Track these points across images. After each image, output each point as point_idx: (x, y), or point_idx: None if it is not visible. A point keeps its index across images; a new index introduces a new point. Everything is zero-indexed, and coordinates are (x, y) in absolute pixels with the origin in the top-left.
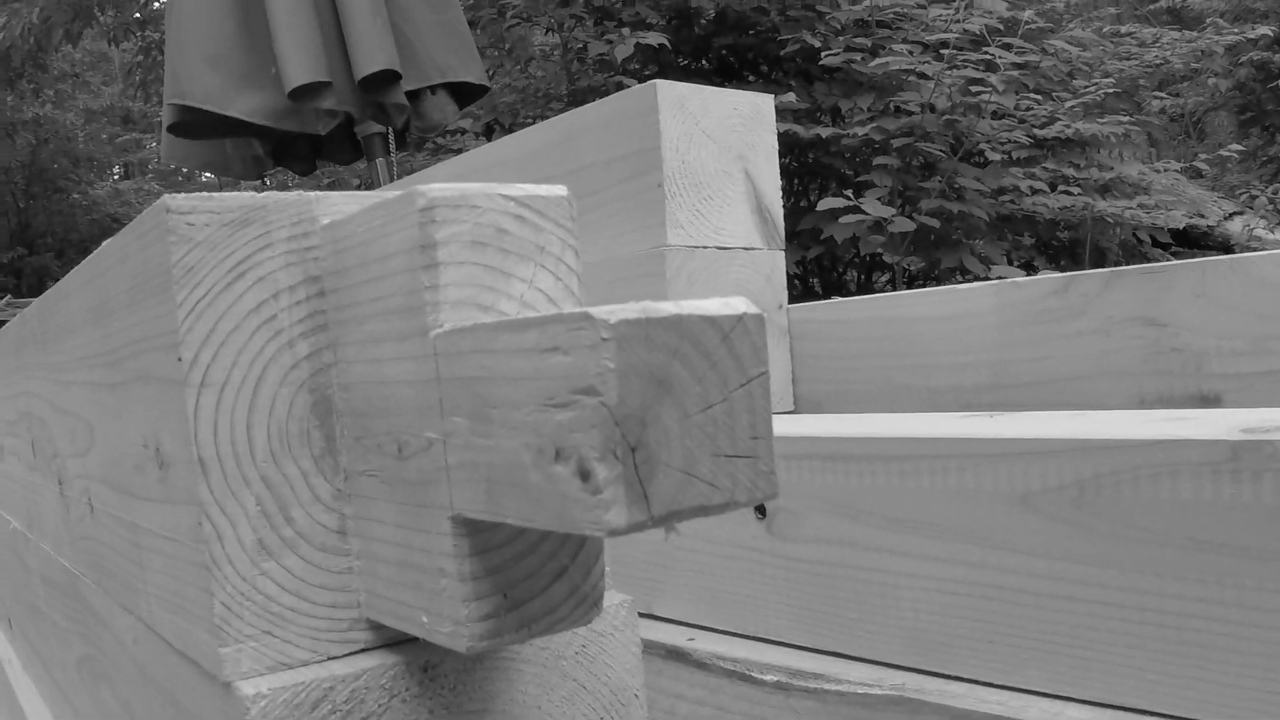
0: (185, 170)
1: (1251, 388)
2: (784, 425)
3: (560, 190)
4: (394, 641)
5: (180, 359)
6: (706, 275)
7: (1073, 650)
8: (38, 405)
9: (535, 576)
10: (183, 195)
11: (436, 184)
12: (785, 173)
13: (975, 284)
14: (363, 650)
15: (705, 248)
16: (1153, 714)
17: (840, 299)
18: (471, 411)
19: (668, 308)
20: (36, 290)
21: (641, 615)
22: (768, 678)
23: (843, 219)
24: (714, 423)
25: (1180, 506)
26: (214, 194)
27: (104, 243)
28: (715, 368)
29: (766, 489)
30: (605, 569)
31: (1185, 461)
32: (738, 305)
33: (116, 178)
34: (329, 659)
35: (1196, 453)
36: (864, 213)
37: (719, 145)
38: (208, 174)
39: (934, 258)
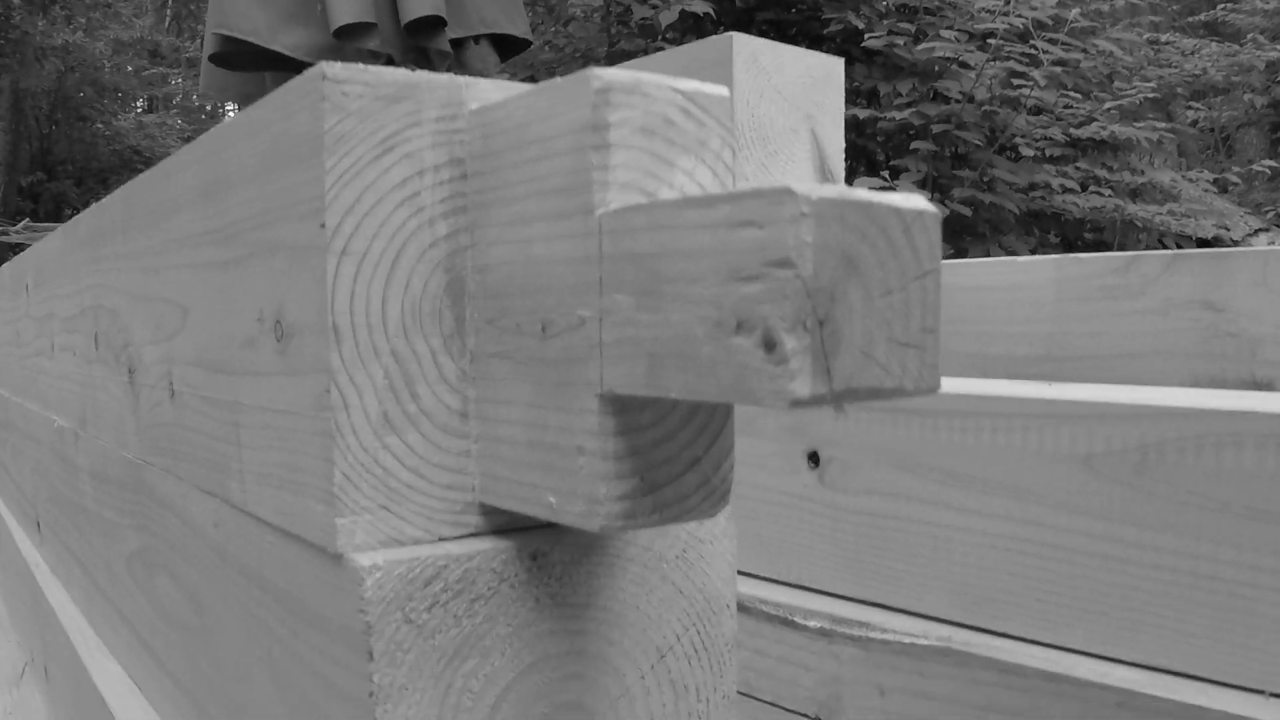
0: (208, 108)
1: None
2: None
3: (723, 90)
4: (504, 530)
5: (324, 225)
6: None
7: (1123, 612)
8: (110, 297)
9: (671, 463)
10: (340, 64)
11: (609, 69)
12: None
13: (1037, 257)
14: (473, 535)
15: None
16: (1198, 678)
17: None
18: (638, 288)
19: (861, 193)
20: (54, 215)
21: None
22: (810, 623)
23: None
24: (892, 309)
25: (1242, 476)
26: (368, 66)
27: (218, 125)
28: (896, 256)
29: (930, 380)
30: (734, 465)
31: (1250, 432)
32: (919, 202)
33: (140, 110)
34: (440, 539)
35: (1263, 424)
36: None
37: (789, 103)
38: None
39: (960, 247)
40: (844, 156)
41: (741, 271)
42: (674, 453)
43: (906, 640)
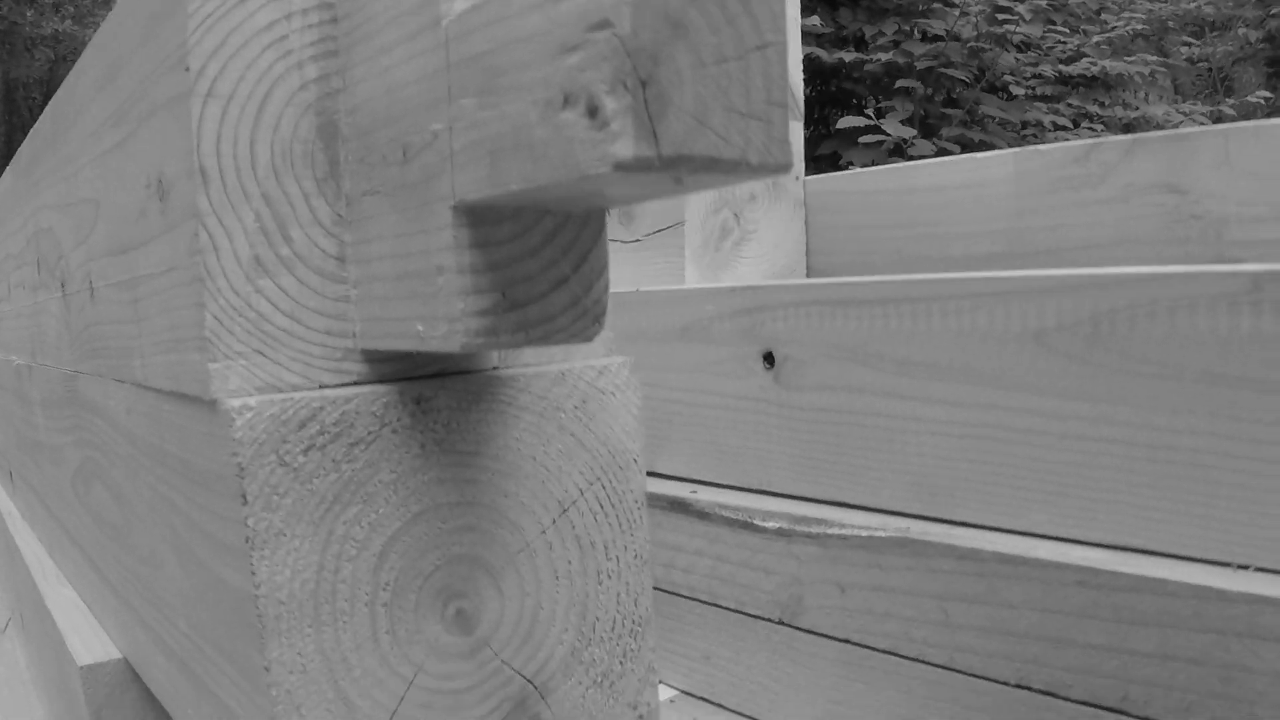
0: None
1: (1273, 255)
2: (796, 277)
3: None
4: (389, 379)
5: (188, 69)
6: None
7: (1081, 491)
8: (46, 216)
9: (535, 280)
10: None
11: None
12: (805, 101)
13: (995, 152)
14: (355, 383)
15: None
16: (1159, 554)
17: (859, 169)
18: (480, 87)
19: None
20: None
21: None
22: (769, 525)
23: (862, 139)
24: (728, 77)
25: (1197, 340)
26: None
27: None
28: (732, 24)
29: (780, 156)
30: (608, 286)
31: (1204, 294)
32: None
33: None
34: (321, 387)
35: (1216, 285)
36: (884, 133)
37: None
38: None
39: None
40: (801, 63)
41: (566, 43)
42: (537, 270)
43: (864, 534)
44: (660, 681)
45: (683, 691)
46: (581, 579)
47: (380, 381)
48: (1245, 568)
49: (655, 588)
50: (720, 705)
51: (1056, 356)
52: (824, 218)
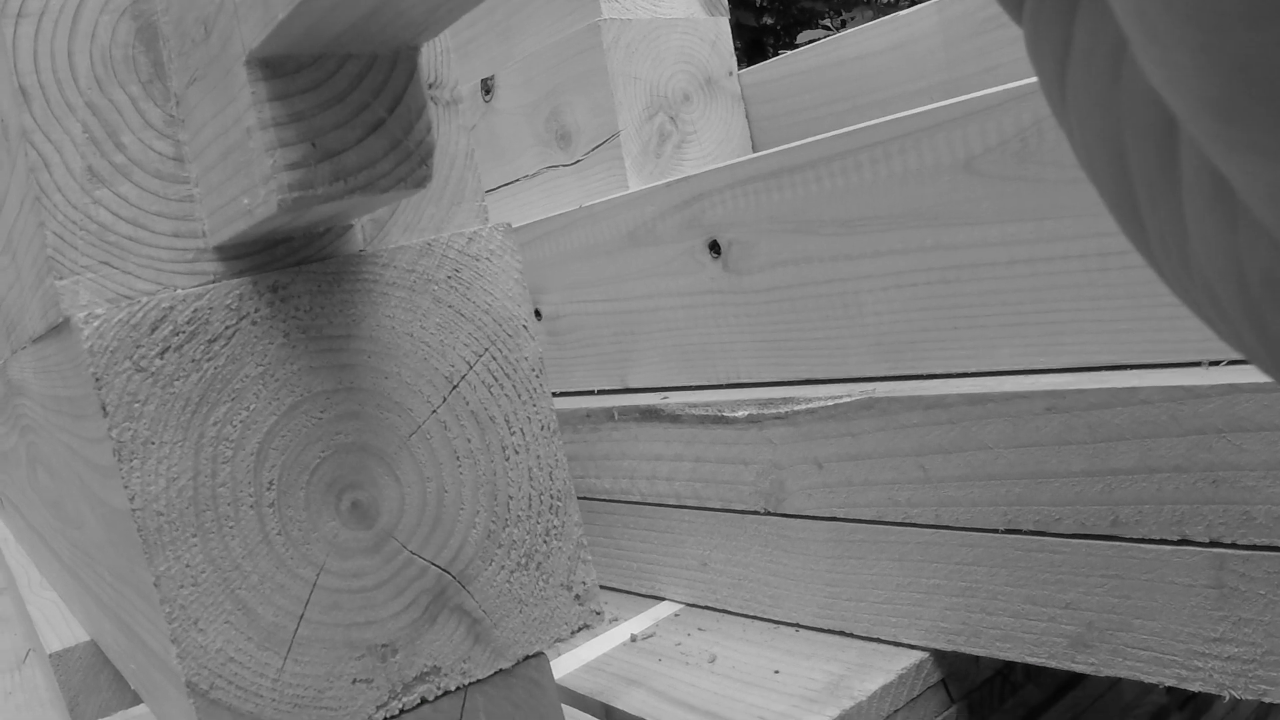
0: None
1: None
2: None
3: None
4: (248, 274)
5: None
6: (646, 44)
7: (1040, 316)
8: None
9: (347, 126)
10: None
11: None
12: (766, 30)
13: (917, 7)
14: (212, 283)
15: (641, 19)
16: (1130, 367)
17: (788, 53)
18: None
19: None
20: None
21: (617, 391)
22: (739, 414)
23: None
24: None
25: None
26: None
27: None
28: None
29: None
30: (430, 126)
31: None
32: None
33: None
34: (176, 290)
35: None
36: None
37: None
38: None
39: None
40: None
41: None
42: (347, 116)
43: (830, 403)
44: (664, 597)
45: (687, 604)
46: (485, 457)
47: (236, 277)
48: (1217, 363)
49: (641, 502)
50: (724, 610)
51: (990, 180)
52: (764, 108)
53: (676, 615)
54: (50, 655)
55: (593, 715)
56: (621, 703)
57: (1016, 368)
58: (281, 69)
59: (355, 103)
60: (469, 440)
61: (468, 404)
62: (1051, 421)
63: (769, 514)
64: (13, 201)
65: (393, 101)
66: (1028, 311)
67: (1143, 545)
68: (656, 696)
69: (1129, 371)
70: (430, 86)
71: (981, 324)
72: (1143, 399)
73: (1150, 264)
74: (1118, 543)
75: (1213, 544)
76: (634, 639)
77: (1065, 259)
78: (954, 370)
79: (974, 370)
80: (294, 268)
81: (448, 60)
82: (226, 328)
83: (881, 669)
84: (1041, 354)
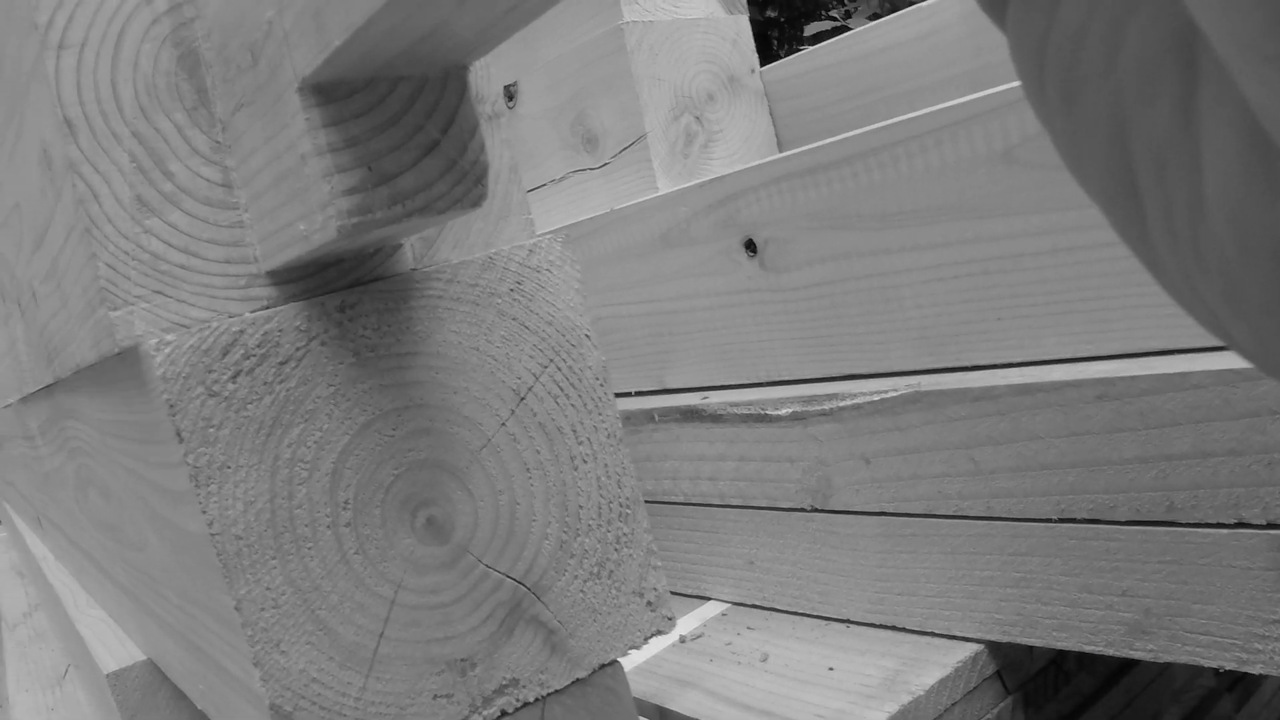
0: None
1: None
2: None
3: None
4: (303, 298)
5: (36, 25)
6: (669, 45)
7: (1086, 304)
8: None
9: (403, 149)
10: None
11: None
12: (771, 21)
13: None
14: (266, 308)
15: (663, 21)
16: (1178, 351)
17: (812, 48)
18: None
19: None
20: None
21: (655, 392)
22: (783, 411)
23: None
24: None
25: None
26: None
27: None
28: None
29: None
30: (484, 145)
31: None
32: None
33: None
34: (230, 317)
35: None
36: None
37: None
38: None
39: None
40: None
41: None
42: (402, 139)
43: (876, 398)
44: (710, 597)
45: (734, 603)
46: (555, 467)
47: (294, 301)
48: None
49: (685, 502)
50: (772, 609)
51: (1031, 170)
52: (788, 105)
53: (724, 615)
54: (108, 675)
55: (647, 718)
56: (676, 704)
57: (1064, 356)
58: (334, 94)
59: (409, 125)
60: (538, 451)
61: (535, 415)
62: (1103, 409)
63: (816, 511)
64: (58, 231)
65: (446, 122)
66: (1074, 300)
67: (1199, 529)
68: (711, 697)
69: (1180, 356)
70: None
71: (1026, 314)
72: (1195, 383)
73: (1141, 254)
74: (1174, 528)
75: (1270, 525)
76: (683, 640)
77: (1110, 245)
78: (1000, 361)
79: (1020, 360)
80: (358, 288)
81: (487, 75)
82: (297, 349)
83: (937, 663)
84: (1089, 341)
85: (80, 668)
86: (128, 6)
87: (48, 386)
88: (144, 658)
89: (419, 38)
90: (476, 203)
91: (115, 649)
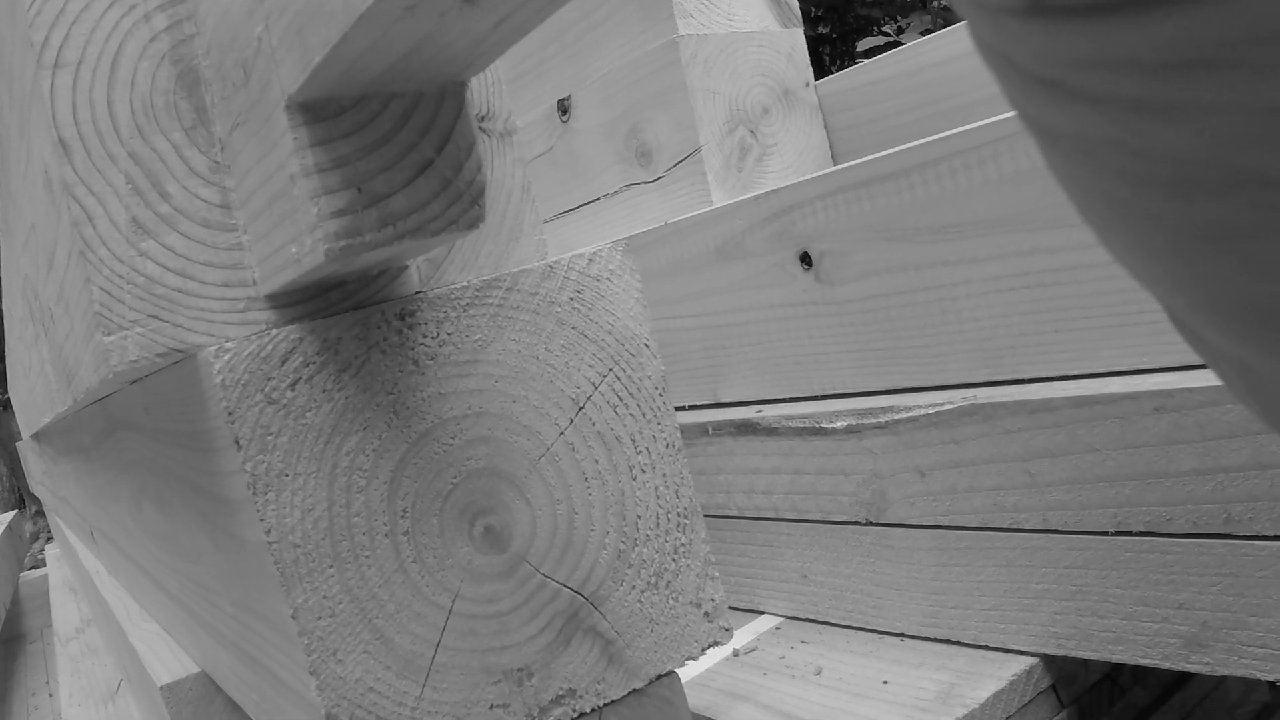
0: None
1: None
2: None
3: None
4: (303, 320)
5: (32, 43)
6: (724, 58)
7: (1143, 316)
8: (22, 263)
9: (394, 169)
10: None
11: None
12: (823, 38)
13: None
14: (265, 330)
15: (718, 34)
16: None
17: (866, 61)
18: None
19: None
20: None
21: (709, 406)
22: (838, 424)
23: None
24: None
25: None
26: None
27: None
28: None
29: None
30: (481, 164)
31: None
32: None
33: None
34: (227, 341)
35: None
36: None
37: None
38: None
39: None
40: None
41: None
42: (394, 158)
43: (932, 411)
44: (764, 611)
45: (787, 617)
46: (613, 477)
47: (298, 321)
48: None
49: (739, 516)
50: (826, 622)
51: None
52: (842, 118)
53: (777, 628)
54: (161, 687)
55: None
56: (729, 718)
57: (1121, 368)
58: (323, 113)
59: (402, 143)
60: (596, 461)
61: (594, 425)
62: (1160, 421)
63: (870, 524)
64: (62, 253)
65: (441, 140)
66: (1131, 312)
67: (1256, 542)
68: (765, 711)
69: None
70: (482, 120)
71: (1083, 325)
72: None
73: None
74: (1231, 540)
75: None
76: (736, 653)
77: None
78: (1056, 374)
79: (1075, 372)
80: (419, 294)
81: (499, 91)
82: (356, 357)
83: (992, 676)
84: (1145, 353)
85: (133, 681)
86: (126, 23)
87: (103, 399)
88: (198, 670)
89: (404, 53)
90: (473, 224)
91: (169, 661)
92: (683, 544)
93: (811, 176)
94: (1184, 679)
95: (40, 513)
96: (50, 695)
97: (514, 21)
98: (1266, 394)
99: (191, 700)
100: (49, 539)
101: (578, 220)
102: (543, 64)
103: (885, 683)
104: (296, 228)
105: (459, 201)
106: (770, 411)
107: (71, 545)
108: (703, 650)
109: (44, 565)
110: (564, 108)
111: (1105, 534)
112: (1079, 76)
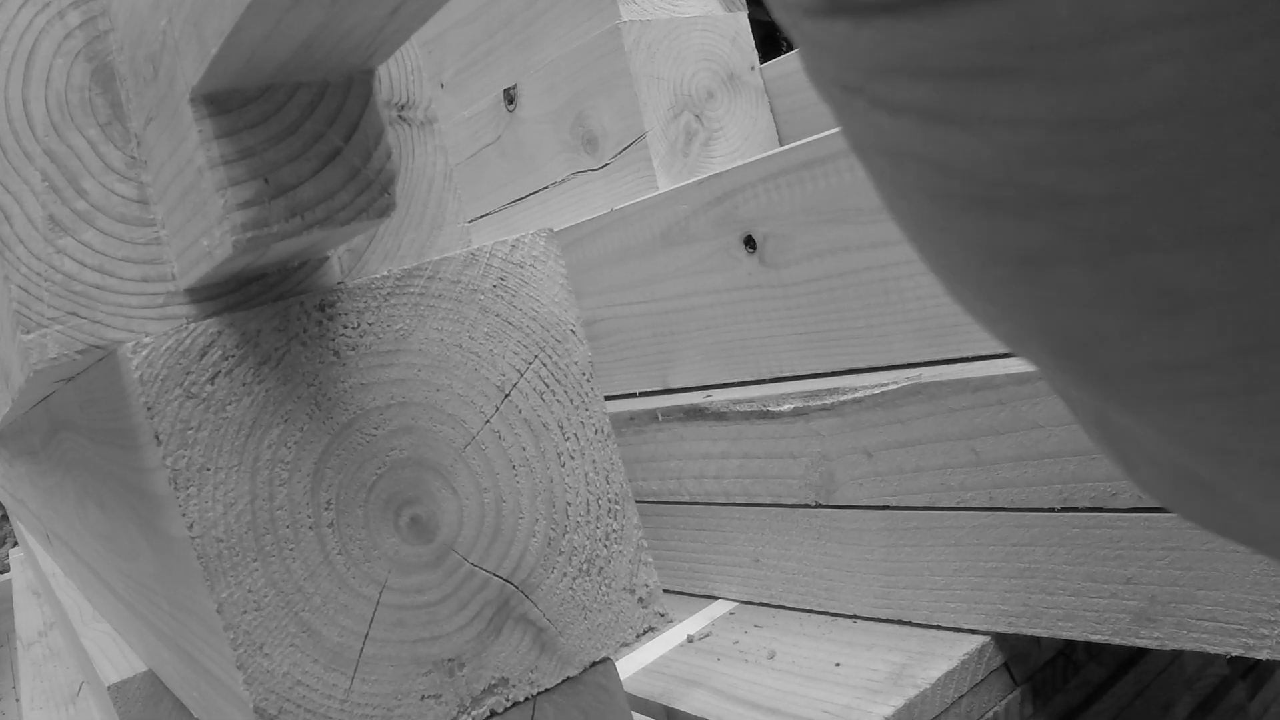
0: None
1: None
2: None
3: None
4: (223, 314)
5: None
6: (667, 44)
7: None
8: None
9: (301, 159)
10: None
11: None
12: (775, 23)
13: None
14: (185, 324)
15: (661, 20)
16: None
17: None
18: None
19: None
20: None
21: (659, 392)
22: (784, 407)
23: None
24: None
25: None
26: None
27: None
28: None
29: None
30: (390, 152)
31: None
32: None
33: None
34: (145, 336)
35: None
36: None
37: None
38: None
39: None
40: None
41: None
42: (301, 148)
43: (877, 391)
44: (717, 596)
45: (741, 602)
46: (541, 464)
47: (231, 310)
48: None
49: (690, 501)
50: (779, 606)
51: None
52: (787, 101)
53: (731, 613)
54: (109, 687)
55: (654, 718)
56: (683, 704)
57: None
58: (227, 104)
59: (308, 133)
60: (524, 449)
61: (520, 412)
62: None
63: (820, 506)
64: None
65: (348, 129)
66: None
67: None
68: (718, 696)
69: None
70: (402, 108)
71: None
72: None
73: None
74: (1176, 515)
75: None
76: (690, 639)
77: None
78: (1000, 351)
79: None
80: (339, 285)
81: (419, 79)
82: (276, 349)
83: (943, 655)
84: None
85: (90, 683)
86: (40, 21)
87: (44, 399)
88: (144, 669)
89: (303, 42)
90: (383, 212)
91: (118, 661)
92: (614, 530)
93: (753, 160)
94: (1140, 654)
95: (4, 517)
96: (17, 700)
97: (410, 8)
98: (1097, 434)
99: (140, 699)
100: (15, 543)
101: (526, 209)
102: (491, 53)
103: (838, 665)
104: (207, 220)
105: (368, 190)
106: (719, 396)
107: (31, 549)
108: (638, 636)
109: (8, 570)
110: (510, 97)
111: (1052, 510)
112: (878, 84)
